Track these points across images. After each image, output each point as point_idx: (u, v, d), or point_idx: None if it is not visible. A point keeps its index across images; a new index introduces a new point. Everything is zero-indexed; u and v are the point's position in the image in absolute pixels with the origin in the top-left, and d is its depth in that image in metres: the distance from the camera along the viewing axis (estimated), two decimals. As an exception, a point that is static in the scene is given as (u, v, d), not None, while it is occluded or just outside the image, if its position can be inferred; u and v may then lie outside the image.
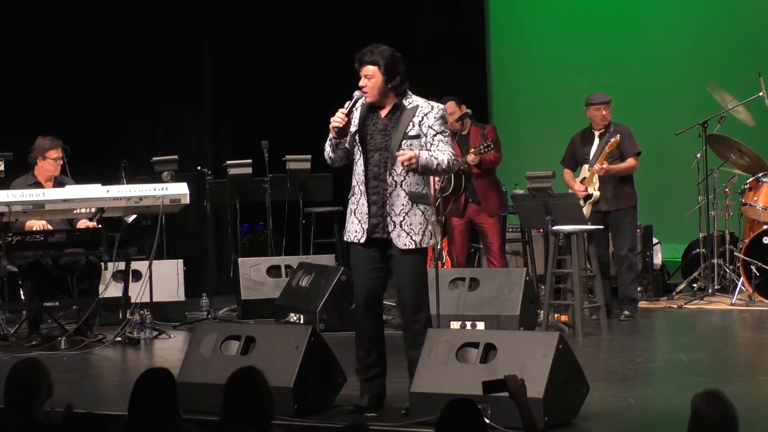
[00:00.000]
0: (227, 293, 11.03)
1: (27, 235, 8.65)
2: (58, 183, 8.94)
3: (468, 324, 8.58)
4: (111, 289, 9.00)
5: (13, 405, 4.83)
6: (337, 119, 6.14)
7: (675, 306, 10.08)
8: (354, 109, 6.21)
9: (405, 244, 6.12)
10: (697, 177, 10.56)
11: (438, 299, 7.76)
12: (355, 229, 6.21)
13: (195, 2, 12.31)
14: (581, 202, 9.25)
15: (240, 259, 10.22)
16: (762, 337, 8.92)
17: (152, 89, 12.02)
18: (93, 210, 8.61)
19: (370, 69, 6.14)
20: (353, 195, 6.24)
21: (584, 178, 9.55)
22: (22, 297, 9.51)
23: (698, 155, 10.50)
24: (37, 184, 8.87)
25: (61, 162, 8.98)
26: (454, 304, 8.66)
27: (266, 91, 12.80)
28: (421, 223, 6.15)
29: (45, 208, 8.49)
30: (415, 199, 6.13)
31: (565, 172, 9.77)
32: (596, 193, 9.47)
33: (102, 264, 8.63)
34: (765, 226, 10.19)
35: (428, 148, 6.11)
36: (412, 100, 6.20)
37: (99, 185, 8.69)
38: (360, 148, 6.20)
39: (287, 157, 10.74)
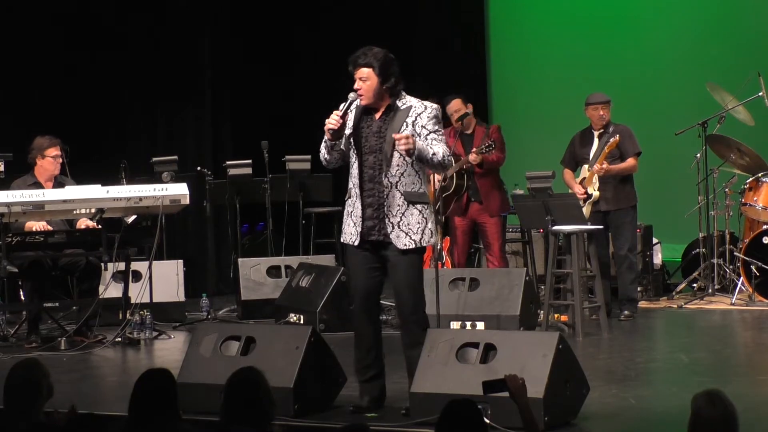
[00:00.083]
0: (227, 294, 11.04)
1: (27, 235, 8.64)
2: (58, 183, 8.93)
3: (468, 324, 8.58)
4: (111, 290, 9.00)
5: (13, 406, 4.82)
6: (332, 121, 6.09)
7: (675, 306, 10.08)
8: (349, 111, 6.17)
9: (405, 245, 6.11)
10: (697, 177, 10.56)
11: (438, 299, 7.77)
12: (351, 231, 6.19)
13: (195, 2, 12.31)
14: (581, 202, 9.25)
15: (240, 260, 10.22)
16: (762, 337, 8.92)
17: (152, 89, 12.02)
18: (93, 210, 8.61)
19: (364, 71, 6.10)
20: (349, 197, 6.22)
21: (584, 178, 9.55)
22: (22, 297, 9.51)
23: (698, 155, 10.50)
24: (37, 185, 8.85)
25: (61, 160, 8.97)
26: (454, 304, 8.67)
27: (266, 91, 12.79)
28: (419, 222, 6.13)
29: (45, 208, 8.48)
30: (412, 199, 6.10)
31: (565, 172, 9.77)
32: (596, 193, 9.46)
33: (102, 264, 8.62)
34: (765, 226, 10.19)
35: (422, 147, 6.11)
36: (406, 101, 6.16)
37: (99, 186, 8.68)
38: (355, 151, 6.18)
39: (287, 157, 10.73)
